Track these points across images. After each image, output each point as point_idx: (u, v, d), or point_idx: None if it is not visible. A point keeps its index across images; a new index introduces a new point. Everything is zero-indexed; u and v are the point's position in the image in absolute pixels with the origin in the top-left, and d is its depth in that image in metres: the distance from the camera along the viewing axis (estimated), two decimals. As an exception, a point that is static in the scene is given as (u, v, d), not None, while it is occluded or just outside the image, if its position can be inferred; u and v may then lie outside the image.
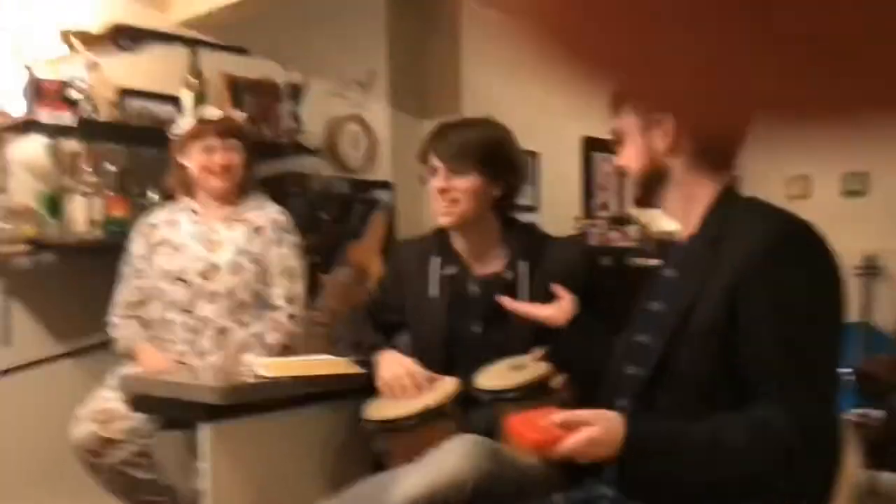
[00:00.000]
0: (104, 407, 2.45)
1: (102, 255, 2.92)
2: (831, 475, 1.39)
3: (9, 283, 3.02)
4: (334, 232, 3.83)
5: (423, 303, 2.10)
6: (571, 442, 1.31)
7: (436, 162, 2.02)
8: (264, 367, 2.02)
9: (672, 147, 1.50)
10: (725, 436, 1.32)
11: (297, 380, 1.99)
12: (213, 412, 1.88)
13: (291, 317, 2.64)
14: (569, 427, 1.32)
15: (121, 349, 2.60)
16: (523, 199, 4.73)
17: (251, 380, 1.96)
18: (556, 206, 5.08)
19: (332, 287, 3.96)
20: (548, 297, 1.91)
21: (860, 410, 4.19)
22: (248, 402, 1.93)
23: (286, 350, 2.62)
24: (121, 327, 2.62)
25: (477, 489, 1.55)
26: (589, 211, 5.49)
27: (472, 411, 1.94)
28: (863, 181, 5.61)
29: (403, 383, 1.93)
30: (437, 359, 2.03)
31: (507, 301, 1.90)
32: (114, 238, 2.94)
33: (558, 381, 1.84)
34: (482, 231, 2.07)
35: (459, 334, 2.05)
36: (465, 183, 1.99)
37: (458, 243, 2.10)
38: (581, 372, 1.83)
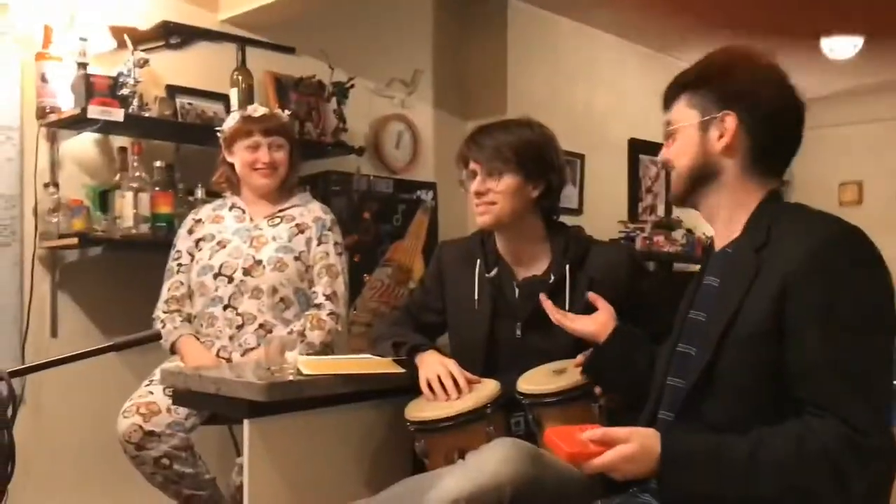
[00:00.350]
0: (148, 400, 2.48)
1: (149, 250, 2.96)
2: (884, 491, 1.34)
3: (57, 276, 3.06)
4: (377, 231, 3.83)
5: (465, 305, 2.08)
6: (607, 458, 1.30)
7: (473, 164, 2.01)
8: (306, 364, 2.02)
9: (730, 146, 1.46)
10: (766, 449, 1.28)
11: (337, 378, 1.97)
12: (255, 408, 1.88)
13: (332, 315, 2.64)
14: (605, 443, 1.31)
15: (165, 343, 2.62)
16: (567, 202, 4.72)
17: (292, 377, 1.95)
18: (601, 209, 5.03)
19: (374, 286, 3.97)
20: (590, 303, 1.89)
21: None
22: (289, 400, 1.92)
23: (327, 348, 2.63)
24: (165, 321, 2.64)
25: (516, 493, 1.53)
26: (635, 214, 5.43)
27: (512, 415, 1.94)
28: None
29: (445, 383, 1.92)
30: (478, 361, 2.02)
31: (547, 304, 1.88)
32: (160, 233, 2.98)
33: (599, 388, 1.82)
34: (524, 233, 2.05)
35: (500, 337, 2.04)
36: (502, 184, 1.97)
37: (501, 245, 2.08)
38: (622, 382, 1.80)
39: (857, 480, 1.25)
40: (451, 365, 1.95)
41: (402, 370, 2.02)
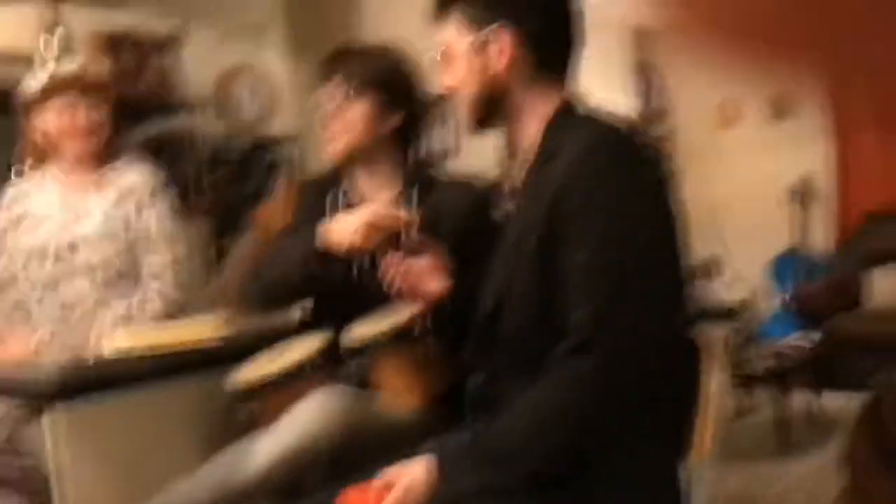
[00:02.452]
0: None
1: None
2: (676, 395, 1.33)
3: None
4: (232, 193, 3.60)
5: None
6: (390, 500, 1.28)
7: (330, 84, 1.90)
8: (120, 338, 1.82)
9: (511, 64, 1.40)
10: (530, 411, 1.26)
11: (149, 352, 1.78)
12: (59, 393, 1.69)
13: (173, 283, 2.43)
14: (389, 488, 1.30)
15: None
16: (437, 145, 4.55)
17: (102, 355, 1.76)
18: (479, 151, 4.88)
19: (239, 253, 3.76)
20: (432, 234, 1.78)
21: (798, 333, 4.19)
22: (99, 381, 1.73)
23: (170, 319, 2.42)
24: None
25: (333, 446, 1.50)
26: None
27: (343, 365, 1.82)
28: (791, 103, 5.51)
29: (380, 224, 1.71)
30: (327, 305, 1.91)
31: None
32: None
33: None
34: (378, 164, 1.96)
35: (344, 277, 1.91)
36: (359, 108, 1.88)
37: (356, 177, 1.99)
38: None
39: (632, 387, 1.23)
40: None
41: (222, 336, 1.87)
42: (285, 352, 1.76)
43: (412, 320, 1.68)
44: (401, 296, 1.63)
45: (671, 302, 1.29)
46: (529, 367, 1.30)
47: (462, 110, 1.48)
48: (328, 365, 1.76)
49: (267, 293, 1.91)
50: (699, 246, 5.26)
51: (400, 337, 1.68)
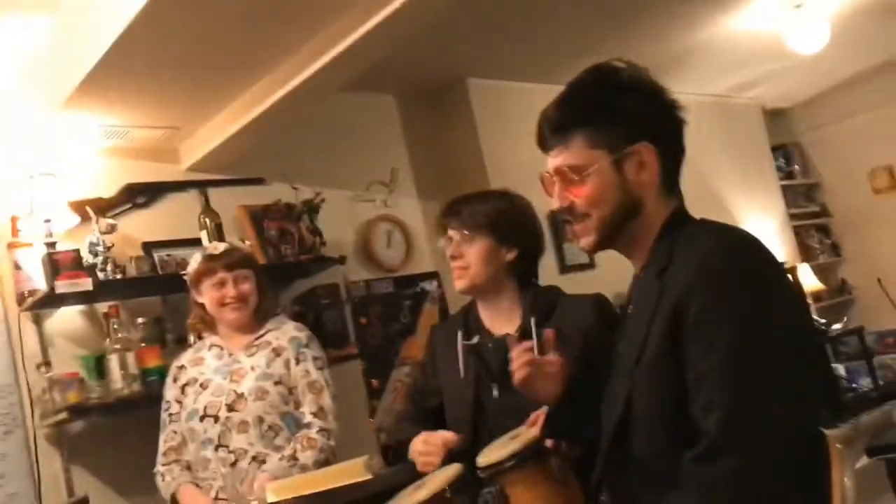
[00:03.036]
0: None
1: (147, 406, 2.97)
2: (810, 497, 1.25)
3: (66, 451, 3.10)
4: (384, 333, 3.82)
5: (453, 378, 2.11)
6: None
7: (450, 231, 2.10)
8: (273, 490, 1.99)
9: (651, 180, 1.39)
10: None
11: (298, 500, 1.93)
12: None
13: (322, 431, 2.61)
14: None
15: (165, 496, 2.62)
16: (578, 259, 4.63)
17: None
18: (615, 261, 4.90)
19: (395, 388, 3.93)
20: (558, 352, 1.84)
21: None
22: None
23: (325, 466, 2.58)
24: (164, 474, 2.65)
25: None
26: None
27: (481, 493, 1.85)
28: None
29: (419, 461, 1.96)
30: (466, 429, 2.02)
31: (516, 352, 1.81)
32: (153, 387, 3.01)
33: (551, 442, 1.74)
34: (499, 295, 2.10)
35: (485, 403, 2.05)
36: (475, 247, 2.05)
37: (481, 311, 2.14)
38: (586, 435, 1.72)
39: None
40: (428, 436, 1.99)
41: (368, 476, 1.99)
42: (424, 485, 1.83)
43: (538, 439, 1.73)
44: (522, 387, 1.68)
45: (806, 403, 1.23)
46: (660, 478, 1.27)
47: (586, 227, 1.43)
48: (466, 489, 1.83)
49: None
50: (875, 320, 4.92)
51: (529, 455, 1.72)
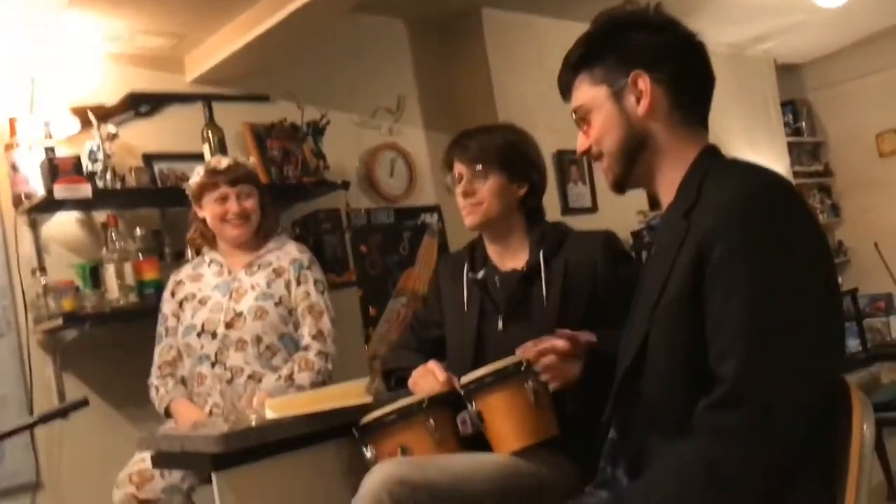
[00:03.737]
0: (140, 468, 2.46)
1: (142, 317, 2.94)
2: (827, 448, 1.23)
3: (59, 358, 3.08)
4: (383, 263, 3.79)
5: (457, 310, 2.12)
6: None
7: (458, 167, 2.07)
8: (272, 406, 1.96)
9: (651, 107, 1.38)
10: (677, 468, 1.21)
11: (299, 419, 1.91)
12: (220, 461, 1.83)
13: (320, 354, 2.59)
14: None
15: (159, 409, 2.60)
16: (581, 202, 4.59)
17: (255, 423, 1.90)
18: (617, 204, 4.87)
19: (389, 318, 3.91)
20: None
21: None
22: (256, 447, 1.86)
23: (319, 386, 2.57)
24: (158, 387, 2.63)
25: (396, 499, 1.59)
26: (657, 202, 5.26)
27: (459, 412, 1.93)
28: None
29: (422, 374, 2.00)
30: (467, 361, 2.01)
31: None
32: (149, 300, 2.98)
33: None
34: (508, 231, 2.10)
35: (487, 335, 2.05)
36: (488, 184, 2.03)
37: (488, 246, 2.14)
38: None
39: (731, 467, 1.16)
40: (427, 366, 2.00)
41: (368, 399, 1.96)
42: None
43: (520, 363, 1.76)
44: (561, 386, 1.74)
45: (824, 354, 1.20)
46: (671, 420, 1.26)
47: (605, 166, 1.45)
48: (441, 406, 1.88)
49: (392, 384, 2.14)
50: (869, 283, 4.94)
51: (507, 374, 1.76)
